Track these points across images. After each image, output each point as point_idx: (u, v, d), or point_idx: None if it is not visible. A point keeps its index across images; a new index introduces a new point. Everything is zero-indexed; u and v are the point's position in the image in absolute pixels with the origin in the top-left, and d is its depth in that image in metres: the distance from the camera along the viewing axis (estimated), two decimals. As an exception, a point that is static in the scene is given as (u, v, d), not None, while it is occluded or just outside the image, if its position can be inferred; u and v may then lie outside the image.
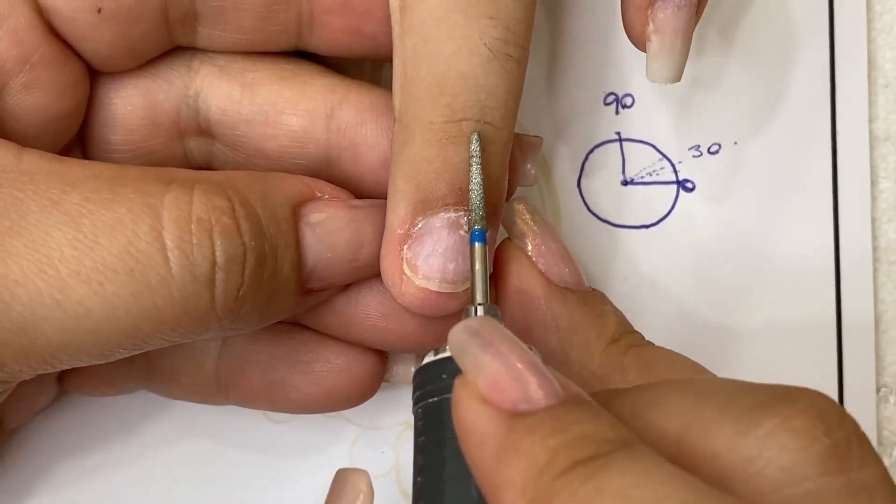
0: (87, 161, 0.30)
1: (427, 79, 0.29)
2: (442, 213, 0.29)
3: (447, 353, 0.27)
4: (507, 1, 0.29)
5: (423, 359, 0.28)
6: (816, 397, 0.23)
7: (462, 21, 0.29)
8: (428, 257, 0.30)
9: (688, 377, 0.28)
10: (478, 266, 0.29)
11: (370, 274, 0.31)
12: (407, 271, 0.30)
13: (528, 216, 0.32)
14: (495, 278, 0.32)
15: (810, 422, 0.23)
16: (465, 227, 0.30)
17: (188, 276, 0.28)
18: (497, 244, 0.33)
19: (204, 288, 0.28)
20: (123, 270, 0.27)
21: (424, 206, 0.29)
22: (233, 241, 0.28)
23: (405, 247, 0.30)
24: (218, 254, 0.28)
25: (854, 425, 0.23)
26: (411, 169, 0.29)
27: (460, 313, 0.30)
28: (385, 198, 0.30)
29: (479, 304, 0.28)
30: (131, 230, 0.27)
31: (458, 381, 0.23)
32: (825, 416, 0.23)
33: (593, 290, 0.32)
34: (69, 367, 0.29)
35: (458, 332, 0.24)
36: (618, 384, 0.29)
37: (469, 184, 0.29)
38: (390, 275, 0.30)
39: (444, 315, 0.31)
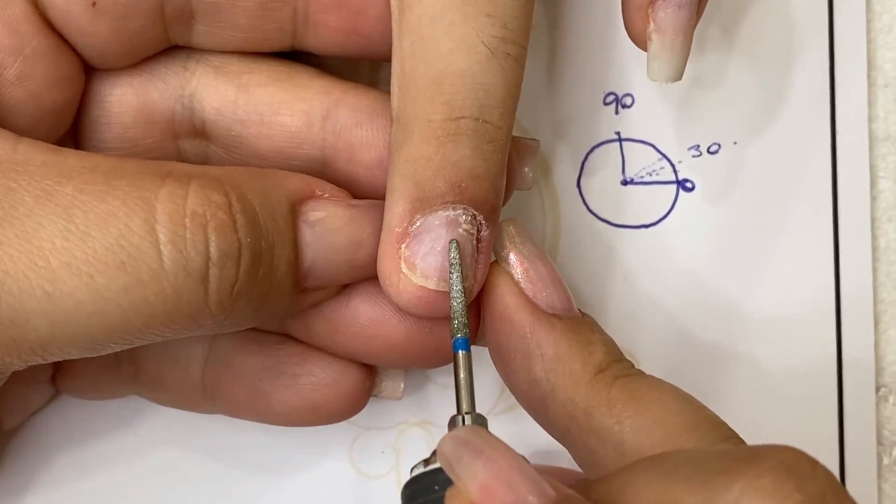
0: (84, 153, 0.29)
1: (425, 77, 0.29)
2: (440, 212, 0.29)
3: (436, 465, 0.26)
4: None
5: (412, 471, 0.27)
6: (784, 452, 0.23)
7: (459, 19, 0.29)
8: (426, 255, 0.29)
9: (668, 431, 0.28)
10: (462, 374, 0.29)
11: (368, 275, 0.31)
12: (404, 269, 0.29)
13: (517, 238, 0.31)
14: (480, 303, 0.31)
15: (779, 479, 0.22)
16: (464, 226, 0.29)
17: (181, 271, 0.27)
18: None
19: (197, 283, 0.28)
20: (114, 263, 0.27)
21: (423, 204, 0.29)
22: (227, 237, 0.28)
23: (403, 245, 0.29)
24: (212, 249, 0.28)
25: (827, 476, 0.23)
26: (409, 167, 0.29)
27: (448, 321, 0.30)
28: (383, 198, 0.30)
29: (467, 413, 0.28)
30: (124, 223, 0.27)
31: (449, 492, 0.24)
32: (794, 470, 0.23)
33: (583, 315, 0.31)
34: (61, 359, 0.29)
35: (447, 443, 0.24)
36: (604, 416, 0.29)
37: (450, 291, 0.29)
38: (387, 273, 0.30)
39: (438, 316, 0.30)
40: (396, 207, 0.29)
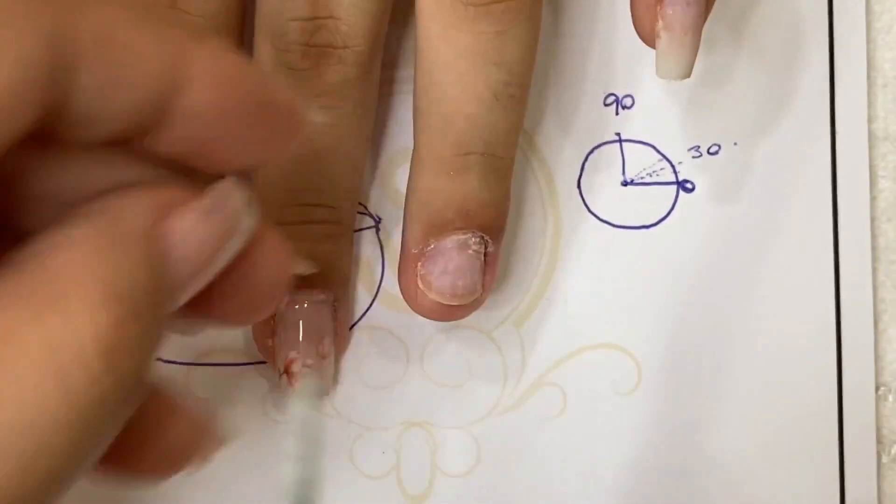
0: None
1: (437, 116, 0.32)
2: (452, 236, 0.33)
3: None
4: (511, 47, 0.32)
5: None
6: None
7: (468, 68, 0.32)
8: (440, 275, 0.33)
9: None
10: None
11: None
12: (421, 286, 0.33)
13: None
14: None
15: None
16: (473, 248, 0.33)
17: None
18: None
19: None
20: None
21: (436, 230, 0.33)
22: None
23: (419, 264, 0.33)
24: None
25: None
26: (424, 196, 0.33)
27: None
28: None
29: None
30: None
31: None
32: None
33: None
34: None
35: None
36: None
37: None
38: (407, 289, 0.34)
39: (457, 319, 0.34)
40: (413, 231, 0.33)
